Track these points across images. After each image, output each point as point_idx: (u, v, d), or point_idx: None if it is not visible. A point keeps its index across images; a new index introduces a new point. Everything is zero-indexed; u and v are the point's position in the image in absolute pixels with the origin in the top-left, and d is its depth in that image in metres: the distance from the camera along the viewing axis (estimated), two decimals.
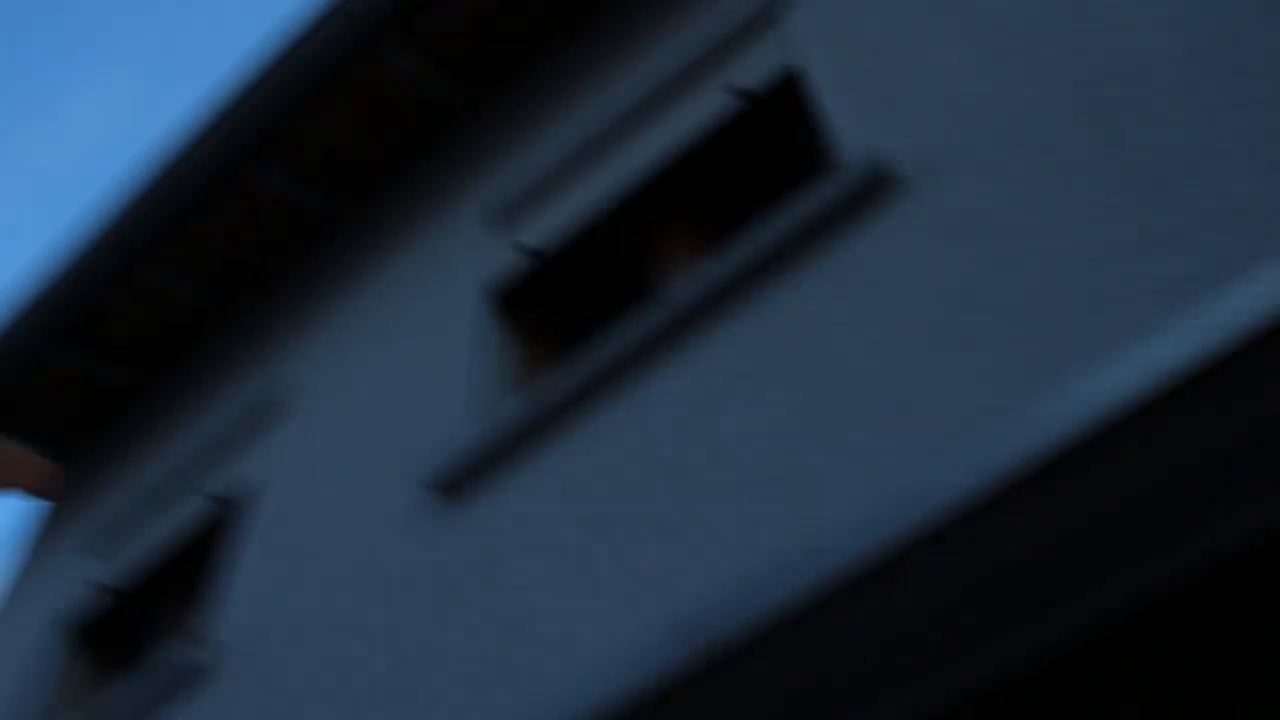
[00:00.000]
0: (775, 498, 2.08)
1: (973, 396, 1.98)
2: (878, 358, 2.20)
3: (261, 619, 3.28)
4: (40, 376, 5.27)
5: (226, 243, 4.91)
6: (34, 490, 6.00)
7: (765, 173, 3.47)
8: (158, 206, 4.69)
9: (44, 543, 5.25)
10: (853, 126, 2.78)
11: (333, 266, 4.59)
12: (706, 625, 1.73)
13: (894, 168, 2.54)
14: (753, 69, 3.34)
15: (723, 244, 3.39)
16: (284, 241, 4.93)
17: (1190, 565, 1.66)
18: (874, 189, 2.54)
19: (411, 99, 4.58)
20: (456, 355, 3.40)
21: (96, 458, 5.47)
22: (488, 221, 3.81)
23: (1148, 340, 1.66)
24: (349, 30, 4.26)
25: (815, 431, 2.17)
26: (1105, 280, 1.96)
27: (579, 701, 1.85)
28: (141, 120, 23.19)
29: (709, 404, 2.46)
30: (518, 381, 3.30)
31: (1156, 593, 1.67)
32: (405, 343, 3.67)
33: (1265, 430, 1.62)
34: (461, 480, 2.89)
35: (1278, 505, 1.63)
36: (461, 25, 4.41)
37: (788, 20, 3.29)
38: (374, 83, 4.49)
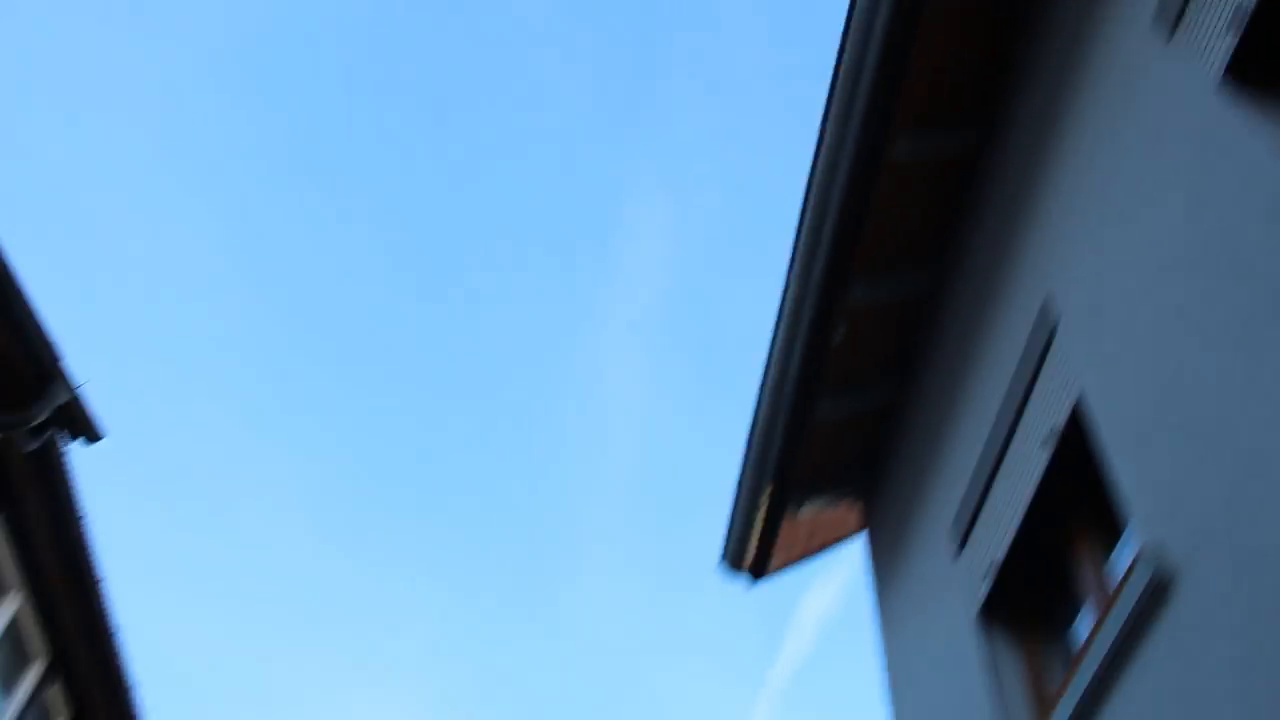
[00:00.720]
0: None
1: None
2: None
3: (1193, 515, 3.09)
4: (811, 435, 5.60)
5: (900, 220, 4.97)
6: (854, 533, 6.37)
7: None
8: (827, 244, 4.84)
9: (892, 570, 5.51)
10: None
11: (1025, 183, 4.44)
12: None
13: None
14: None
15: None
16: (952, 201, 4.89)
17: None
18: None
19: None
20: (1215, 170, 3.06)
21: (888, 476, 5.69)
22: (1158, 28, 3.45)
23: None
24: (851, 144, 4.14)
25: None
26: None
27: None
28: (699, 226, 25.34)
29: None
30: None
31: None
32: (1147, 197, 3.39)
33: None
34: None
35: None
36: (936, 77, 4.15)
37: None
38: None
